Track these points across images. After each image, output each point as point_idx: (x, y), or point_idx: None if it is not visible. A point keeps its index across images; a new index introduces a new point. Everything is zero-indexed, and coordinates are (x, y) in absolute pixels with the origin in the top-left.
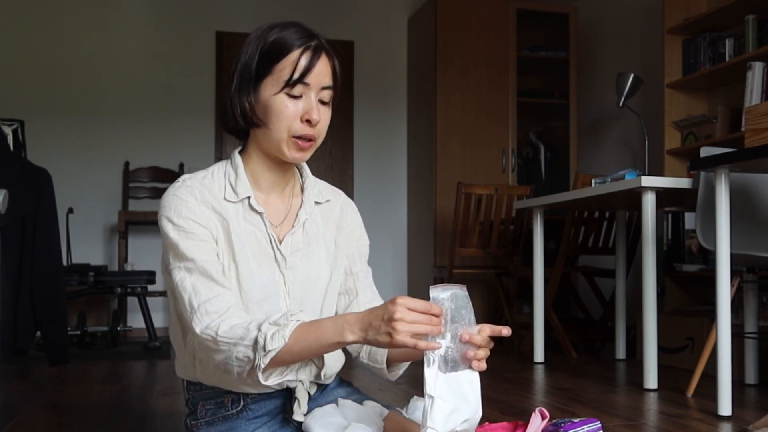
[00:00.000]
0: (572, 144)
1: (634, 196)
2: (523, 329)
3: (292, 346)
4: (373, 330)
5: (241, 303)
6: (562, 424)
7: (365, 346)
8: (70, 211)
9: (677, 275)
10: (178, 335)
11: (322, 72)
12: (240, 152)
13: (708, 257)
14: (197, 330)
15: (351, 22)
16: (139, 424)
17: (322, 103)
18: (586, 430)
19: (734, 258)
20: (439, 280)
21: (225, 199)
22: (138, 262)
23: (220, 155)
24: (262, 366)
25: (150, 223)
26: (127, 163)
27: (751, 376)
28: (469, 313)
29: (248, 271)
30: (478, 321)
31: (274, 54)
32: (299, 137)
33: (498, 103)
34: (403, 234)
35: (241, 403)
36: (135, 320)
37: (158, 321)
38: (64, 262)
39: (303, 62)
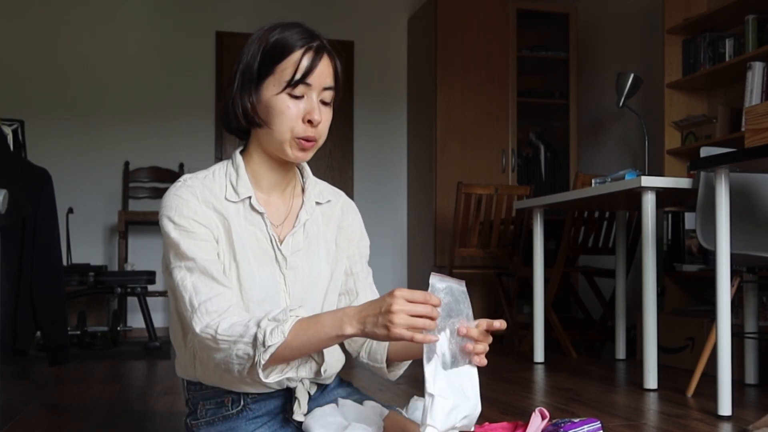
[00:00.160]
0: (572, 144)
1: (634, 196)
2: (523, 329)
3: (292, 342)
4: (371, 322)
5: (242, 302)
6: (562, 424)
7: (365, 346)
8: (70, 211)
9: (677, 275)
10: (179, 335)
11: (324, 72)
12: (241, 152)
13: (708, 257)
14: (197, 329)
15: (351, 22)
16: (139, 424)
17: (324, 103)
18: (586, 430)
19: (734, 258)
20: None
21: (226, 198)
22: (138, 262)
23: (220, 155)
24: (262, 362)
25: (150, 223)
26: (127, 163)
27: (751, 376)
28: (467, 308)
29: (249, 271)
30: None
31: (276, 54)
32: (301, 138)
33: (498, 103)
34: (403, 234)
35: (242, 403)
36: (135, 320)
37: (158, 321)
38: (64, 262)
39: (305, 63)
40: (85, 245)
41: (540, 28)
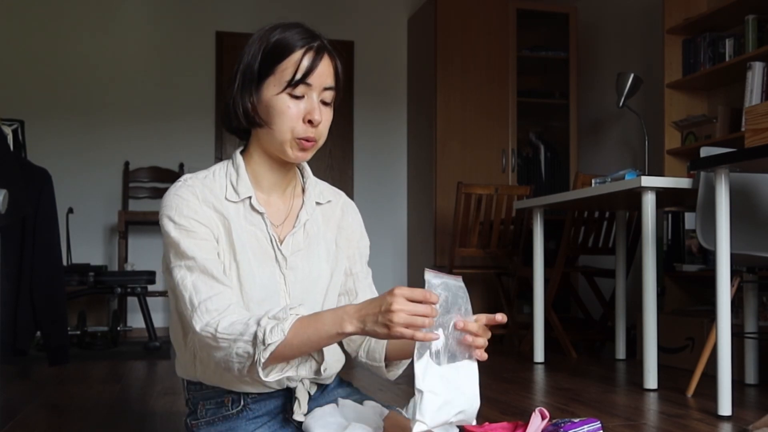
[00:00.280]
0: (572, 144)
1: (634, 196)
2: (523, 329)
3: (292, 340)
4: (371, 321)
5: (242, 301)
6: (562, 424)
7: (363, 345)
8: (70, 211)
9: (677, 275)
10: (179, 334)
11: (325, 73)
12: (241, 152)
13: (708, 257)
14: (197, 328)
15: (351, 22)
16: (139, 424)
17: (324, 103)
18: (586, 430)
19: (734, 258)
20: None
21: (226, 198)
22: (138, 262)
23: (220, 155)
24: (262, 360)
25: (150, 223)
26: (127, 163)
27: (751, 376)
28: (465, 303)
29: (249, 270)
30: None
31: (276, 54)
32: (301, 138)
33: (498, 103)
34: (403, 234)
35: (242, 402)
36: (135, 320)
37: (158, 321)
38: (64, 262)
39: (305, 63)
40: (85, 245)
41: (540, 28)
